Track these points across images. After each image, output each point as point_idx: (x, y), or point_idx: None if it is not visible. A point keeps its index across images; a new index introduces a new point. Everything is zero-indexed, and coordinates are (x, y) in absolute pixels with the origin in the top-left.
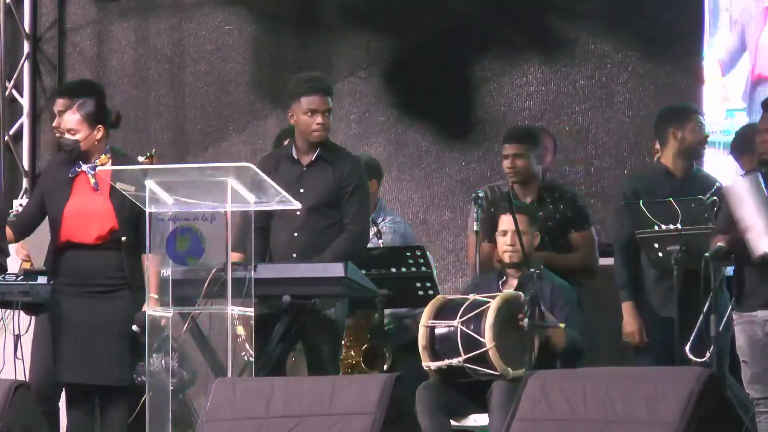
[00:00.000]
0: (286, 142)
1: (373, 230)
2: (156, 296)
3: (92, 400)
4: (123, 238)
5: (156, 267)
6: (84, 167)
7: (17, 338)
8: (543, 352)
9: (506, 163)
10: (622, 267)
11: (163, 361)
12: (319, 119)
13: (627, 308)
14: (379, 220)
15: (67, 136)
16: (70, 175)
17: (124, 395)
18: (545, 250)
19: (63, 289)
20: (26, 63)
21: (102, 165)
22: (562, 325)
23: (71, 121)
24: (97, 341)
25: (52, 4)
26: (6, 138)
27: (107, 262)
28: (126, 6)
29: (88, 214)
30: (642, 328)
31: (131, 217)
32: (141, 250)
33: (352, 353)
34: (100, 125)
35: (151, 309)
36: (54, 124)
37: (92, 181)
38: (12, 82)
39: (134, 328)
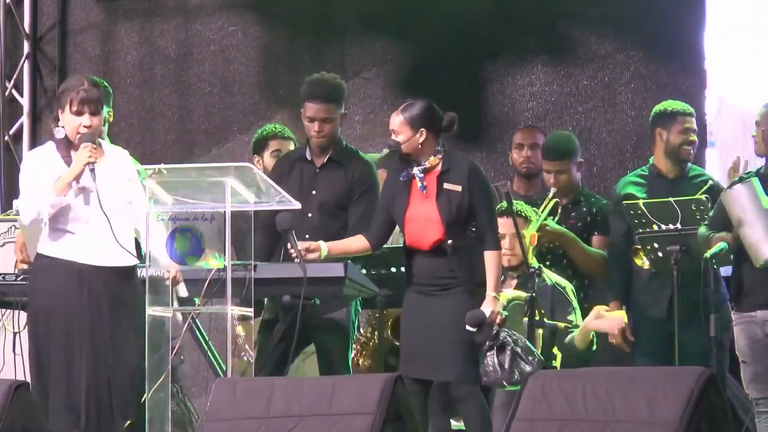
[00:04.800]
0: (270, 150)
1: None
2: (495, 294)
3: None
4: (449, 242)
5: (494, 263)
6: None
7: (15, 335)
8: (544, 352)
9: (550, 180)
10: (612, 267)
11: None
12: (315, 127)
13: (612, 308)
14: None
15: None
16: (402, 179)
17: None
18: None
19: (408, 290)
20: (26, 63)
21: (431, 167)
22: (562, 325)
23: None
24: (434, 339)
25: (53, 4)
26: (6, 138)
27: (440, 265)
28: (130, 7)
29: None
30: (626, 330)
31: (458, 218)
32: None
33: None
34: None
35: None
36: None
37: (419, 185)
38: (12, 82)
39: (467, 327)
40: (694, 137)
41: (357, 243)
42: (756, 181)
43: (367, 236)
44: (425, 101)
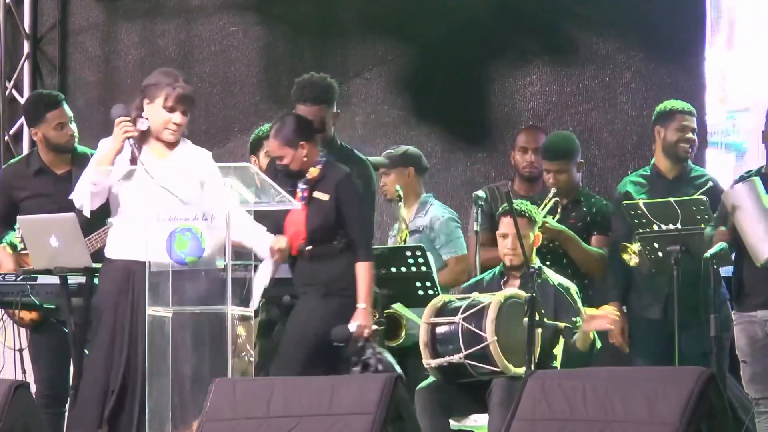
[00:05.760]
0: (266, 150)
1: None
2: (364, 306)
3: None
4: (308, 248)
5: (365, 274)
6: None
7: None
8: (544, 352)
9: (550, 179)
10: (613, 268)
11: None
12: None
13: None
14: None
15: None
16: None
17: None
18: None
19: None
20: (26, 63)
21: (312, 178)
22: (562, 325)
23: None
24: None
25: (53, 4)
26: (6, 138)
27: (302, 270)
28: (130, 7)
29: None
30: (625, 329)
31: (322, 226)
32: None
33: None
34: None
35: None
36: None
37: (300, 195)
38: (12, 82)
39: (334, 342)
40: (691, 135)
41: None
42: (758, 180)
43: None
44: (290, 115)
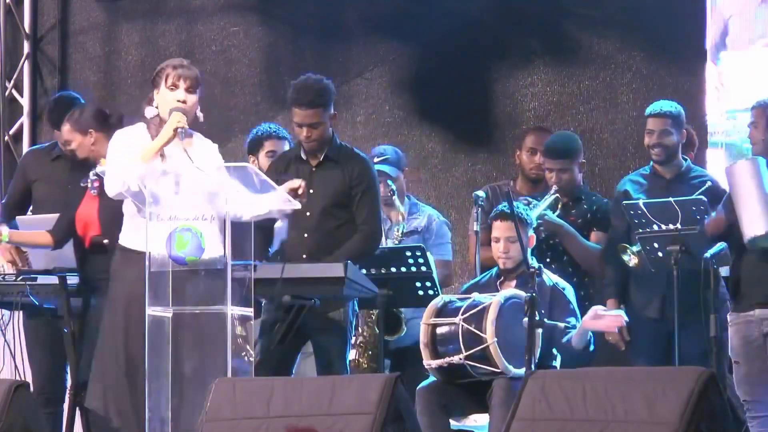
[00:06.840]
0: (265, 150)
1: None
2: None
3: None
4: (105, 241)
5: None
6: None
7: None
8: (543, 353)
9: (552, 178)
10: (609, 265)
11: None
12: (304, 132)
13: (610, 305)
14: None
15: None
16: (82, 184)
17: None
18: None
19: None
20: (26, 63)
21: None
22: (562, 325)
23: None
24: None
25: (53, 4)
26: (6, 138)
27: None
28: (131, 7)
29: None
30: (624, 327)
31: (115, 218)
32: None
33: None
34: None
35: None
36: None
37: (89, 186)
38: (12, 82)
39: None
40: (656, 139)
41: (41, 237)
42: (762, 160)
43: (51, 232)
44: (92, 106)
